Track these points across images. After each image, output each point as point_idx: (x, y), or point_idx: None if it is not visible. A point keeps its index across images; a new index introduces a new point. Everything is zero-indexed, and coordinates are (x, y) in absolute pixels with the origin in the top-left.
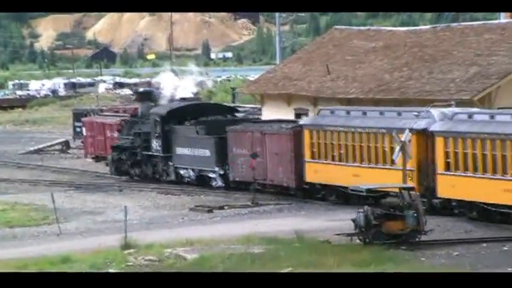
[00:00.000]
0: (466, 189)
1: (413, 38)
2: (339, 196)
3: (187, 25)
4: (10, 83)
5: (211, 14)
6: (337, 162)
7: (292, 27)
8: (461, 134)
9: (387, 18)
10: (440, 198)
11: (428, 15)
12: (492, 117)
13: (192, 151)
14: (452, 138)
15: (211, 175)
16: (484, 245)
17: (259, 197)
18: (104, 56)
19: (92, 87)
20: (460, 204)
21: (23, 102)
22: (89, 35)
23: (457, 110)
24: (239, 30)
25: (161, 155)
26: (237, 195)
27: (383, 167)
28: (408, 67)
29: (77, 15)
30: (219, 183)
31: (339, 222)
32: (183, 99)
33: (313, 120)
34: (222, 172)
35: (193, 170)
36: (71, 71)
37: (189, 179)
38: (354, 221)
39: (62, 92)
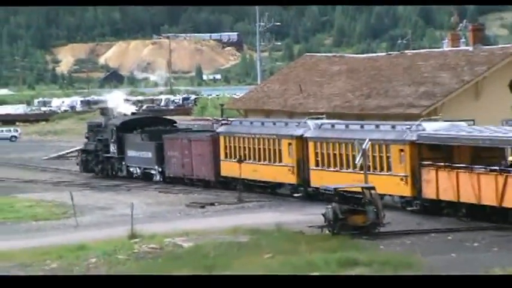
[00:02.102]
0: (330, 180)
1: (371, 63)
2: (245, 186)
3: (183, 52)
4: (36, 101)
5: (203, 42)
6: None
7: (270, 53)
8: (325, 139)
9: (350, 47)
10: (312, 187)
11: (384, 45)
12: (347, 126)
13: (139, 153)
14: (320, 142)
15: (153, 172)
16: (433, 235)
17: (244, 195)
18: (113, 78)
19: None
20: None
21: (46, 117)
22: (101, 60)
23: (324, 121)
24: (226, 56)
25: (116, 156)
26: (225, 193)
27: (276, 164)
28: (367, 87)
29: (91, 45)
30: (158, 177)
31: (311, 216)
32: (133, 113)
33: (226, 128)
34: (160, 169)
35: (139, 168)
36: (86, 90)
37: (136, 175)
38: (323, 215)
39: (79, 108)
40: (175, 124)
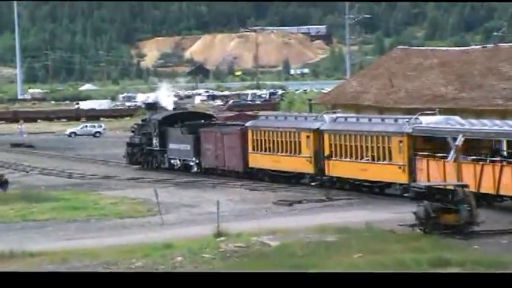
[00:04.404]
0: (343, 169)
1: (465, 56)
2: (269, 177)
3: (270, 46)
4: (120, 96)
5: (291, 36)
6: (266, 153)
7: (360, 47)
8: (337, 131)
9: (442, 40)
10: (327, 176)
11: (478, 37)
12: (358, 119)
13: (179, 146)
14: (333, 134)
15: (191, 163)
16: None
17: (332, 193)
18: (199, 72)
19: (189, 99)
20: (340, 180)
21: (131, 112)
22: (187, 54)
23: (339, 115)
24: (315, 49)
25: (158, 149)
26: (313, 191)
27: (296, 155)
28: (460, 81)
29: (176, 38)
30: (195, 169)
31: (401, 214)
32: (174, 109)
33: (253, 123)
34: (197, 161)
35: (179, 160)
36: (171, 85)
37: (177, 167)
38: (414, 213)
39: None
40: (213, 118)
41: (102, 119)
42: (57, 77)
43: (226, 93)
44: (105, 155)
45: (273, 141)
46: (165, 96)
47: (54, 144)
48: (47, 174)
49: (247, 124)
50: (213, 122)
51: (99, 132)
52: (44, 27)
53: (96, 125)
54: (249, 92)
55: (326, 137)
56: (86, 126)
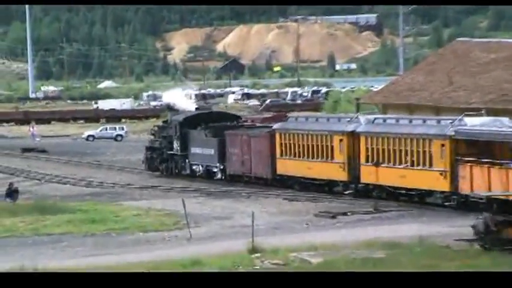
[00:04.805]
0: (380, 176)
1: None
2: (299, 185)
3: (313, 37)
4: (144, 94)
5: (337, 26)
6: (296, 158)
7: (415, 39)
8: (375, 133)
9: (508, 31)
10: (362, 183)
11: None
12: (397, 121)
13: (202, 150)
14: (370, 137)
15: (214, 169)
16: None
17: (381, 204)
18: (232, 67)
19: (222, 98)
20: (377, 188)
21: (157, 112)
22: (219, 47)
23: (376, 116)
24: (363, 42)
25: (180, 153)
26: (360, 201)
27: (328, 161)
28: None
29: (207, 29)
30: (219, 175)
31: (458, 228)
32: (197, 108)
33: (281, 125)
34: (222, 167)
35: (202, 165)
36: (201, 82)
37: (199, 173)
38: (473, 227)
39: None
40: (240, 120)
41: (124, 120)
42: (73, 73)
43: (263, 91)
44: (127, 161)
45: (303, 145)
46: (183, 94)
47: (70, 148)
48: (62, 182)
49: (275, 126)
50: (240, 124)
51: (120, 135)
52: (58, 17)
53: (117, 127)
54: (289, 90)
55: (362, 140)
56: (106, 128)
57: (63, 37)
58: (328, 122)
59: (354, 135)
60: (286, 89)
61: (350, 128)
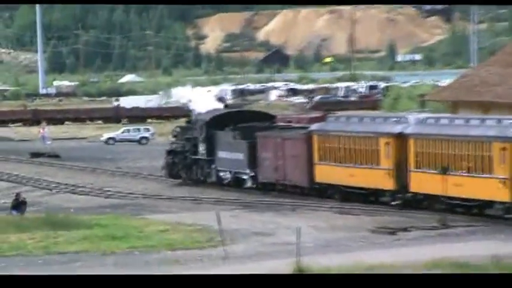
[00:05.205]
0: (431, 185)
1: None
2: (341, 194)
3: (370, 24)
4: (173, 90)
5: (399, 11)
6: (336, 164)
7: (490, 25)
8: (426, 135)
9: None
10: (411, 192)
11: None
12: (451, 121)
13: (230, 154)
14: (420, 140)
15: (244, 176)
16: None
17: (448, 218)
18: (276, 59)
19: (263, 94)
20: (428, 198)
21: (187, 112)
22: (260, 35)
23: (428, 115)
24: (430, 28)
25: (205, 158)
26: (423, 215)
27: (373, 167)
28: None
29: (246, 15)
30: (249, 183)
31: None
32: (226, 106)
33: (320, 126)
34: (252, 174)
35: (230, 172)
36: (239, 76)
37: (227, 181)
38: None
39: (229, 99)
40: (275, 119)
41: (149, 120)
42: (90, 66)
43: (311, 86)
44: (153, 167)
45: (344, 149)
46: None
47: (87, 153)
48: (77, 192)
49: (312, 127)
50: (274, 125)
51: (145, 137)
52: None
53: (141, 128)
54: (342, 85)
55: (410, 143)
56: (129, 130)
57: (79, 23)
58: (374, 122)
59: (402, 138)
60: (338, 84)
61: (397, 129)
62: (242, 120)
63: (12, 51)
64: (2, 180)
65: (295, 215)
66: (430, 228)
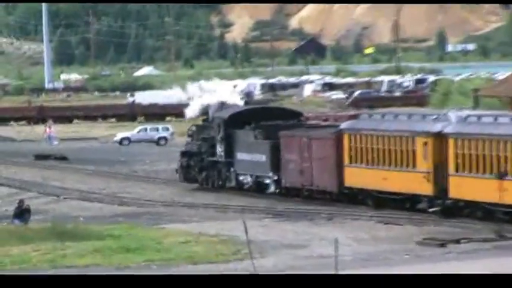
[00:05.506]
0: (471, 190)
1: None
2: (373, 200)
3: (417, 10)
4: (195, 84)
5: None
6: (368, 166)
7: None
8: (467, 135)
9: None
10: (452, 198)
11: None
12: (496, 119)
13: (251, 156)
14: (461, 139)
15: (267, 181)
16: None
17: (507, 228)
18: (311, 49)
19: (296, 89)
20: (469, 205)
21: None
22: (293, 23)
23: (470, 112)
24: (485, 15)
25: (223, 160)
26: (477, 225)
27: (409, 170)
28: None
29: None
30: (272, 188)
31: None
32: (247, 103)
33: (351, 124)
34: (276, 178)
35: (251, 175)
36: (269, 68)
37: (247, 185)
38: None
39: (257, 95)
40: (302, 117)
41: (168, 118)
42: (102, 57)
43: (350, 80)
44: (172, 171)
45: (377, 150)
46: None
47: (98, 155)
48: (87, 199)
49: (342, 126)
50: (301, 123)
51: (164, 137)
52: None
53: (160, 127)
54: (385, 78)
55: (450, 143)
56: (146, 129)
57: (90, 10)
58: (410, 120)
59: (441, 137)
60: (381, 78)
61: (437, 127)
62: (264, 118)
63: (14, 40)
64: (2, 185)
65: (331, 224)
66: (485, 240)
